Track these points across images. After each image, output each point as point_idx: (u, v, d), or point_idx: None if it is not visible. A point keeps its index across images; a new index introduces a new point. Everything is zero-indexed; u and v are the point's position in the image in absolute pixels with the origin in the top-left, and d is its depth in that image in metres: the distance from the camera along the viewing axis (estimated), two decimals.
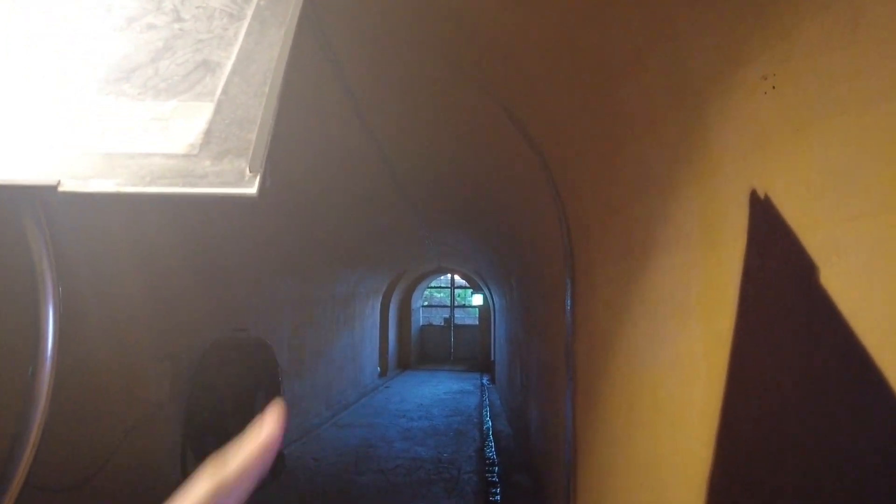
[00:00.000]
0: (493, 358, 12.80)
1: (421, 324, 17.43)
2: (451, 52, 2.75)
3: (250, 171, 0.66)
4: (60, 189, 0.62)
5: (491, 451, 6.23)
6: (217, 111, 0.75)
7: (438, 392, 11.05)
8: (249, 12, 0.87)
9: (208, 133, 0.72)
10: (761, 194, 1.43)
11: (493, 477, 5.23)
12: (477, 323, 16.50)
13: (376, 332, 12.49)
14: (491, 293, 12.11)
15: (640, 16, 1.69)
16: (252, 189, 0.65)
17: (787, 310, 1.33)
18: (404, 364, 15.29)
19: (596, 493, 2.65)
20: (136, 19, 0.86)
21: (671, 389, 1.90)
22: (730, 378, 1.58)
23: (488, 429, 7.46)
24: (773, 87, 1.33)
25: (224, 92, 0.78)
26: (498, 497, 4.68)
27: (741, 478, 1.48)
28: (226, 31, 0.87)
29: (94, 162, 0.67)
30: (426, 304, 18.60)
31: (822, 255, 1.23)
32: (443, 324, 17.82)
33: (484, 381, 12.51)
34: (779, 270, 1.36)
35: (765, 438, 1.39)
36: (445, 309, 18.51)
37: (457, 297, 18.72)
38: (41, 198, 0.69)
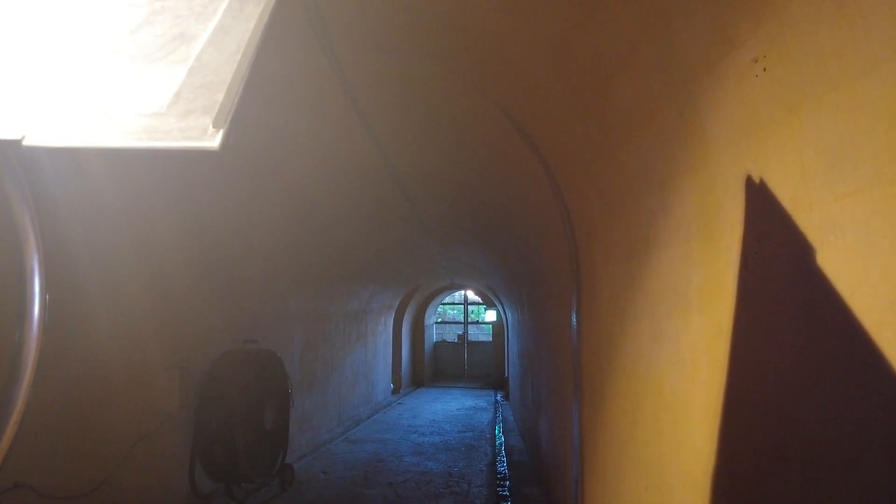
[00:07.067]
0: (506, 374, 12.65)
1: (434, 340, 17.33)
2: (451, 56, 2.78)
3: (214, 127, 0.67)
4: (25, 143, 0.64)
5: (502, 466, 6.12)
6: (188, 75, 0.76)
7: (451, 408, 10.93)
8: None
9: (177, 94, 0.73)
10: (756, 179, 1.41)
11: (503, 491, 5.12)
12: (490, 339, 16.36)
13: (389, 349, 12.43)
14: (504, 309, 12.03)
15: (632, 7, 1.69)
16: (213, 143, 0.65)
17: (785, 294, 1.30)
18: (418, 381, 15.18)
19: (603, 499, 2.58)
20: None
21: (674, 386, 1.86)
22: (731, 370, 1.53)
23: (500, 444, 7.34)
24: (765, 70, 1.32)
25: (197, 59, 0.79)
26: None
27: (743, 472, 1.43)
28: (205, 8, 0.89)
29: (63, 119, 0.68)
30: (439, 320, 18.52)
31: (818, 236, 1.20)
32: (456, 340, 17.70)
33: (498, 398, 12.35)
34: (776, 255, 1.33)
35: (765, 428, 1.34)
36: (459, 325, 18.42)
37: (470, 313, 18.62)
38: (15, 154, 0.71)
